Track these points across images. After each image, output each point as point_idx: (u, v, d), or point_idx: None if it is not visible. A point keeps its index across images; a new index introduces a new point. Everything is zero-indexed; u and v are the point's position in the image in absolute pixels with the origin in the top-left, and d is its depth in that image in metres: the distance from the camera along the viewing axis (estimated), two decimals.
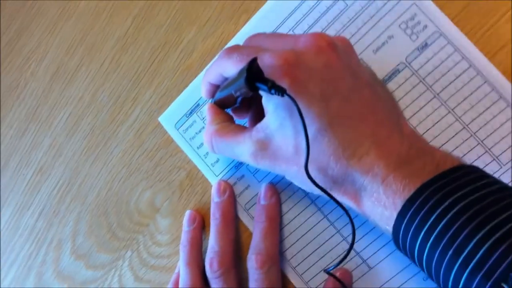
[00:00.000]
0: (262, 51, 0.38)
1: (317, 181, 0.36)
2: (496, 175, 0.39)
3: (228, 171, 0.48)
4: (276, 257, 0.45)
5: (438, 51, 0.42)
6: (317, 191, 0.37)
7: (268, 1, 0.46)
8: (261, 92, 0.37)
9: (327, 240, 0.45)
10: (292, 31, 0.45)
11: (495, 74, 0.40)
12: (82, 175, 0.54)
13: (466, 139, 0.41)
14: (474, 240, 0.30)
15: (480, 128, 0.41)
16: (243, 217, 0.48)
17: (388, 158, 0.35)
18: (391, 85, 0.43)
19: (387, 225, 0.35)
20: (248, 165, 0.47)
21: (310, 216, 0.45)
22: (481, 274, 0.30)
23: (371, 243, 0.44)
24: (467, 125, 0.41)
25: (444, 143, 0.42)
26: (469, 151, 0.41)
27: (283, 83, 0.35)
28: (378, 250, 0.44)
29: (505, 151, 0.41)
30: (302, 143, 0.36)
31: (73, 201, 0.54)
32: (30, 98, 0.55)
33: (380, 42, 0.43)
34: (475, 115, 0.41)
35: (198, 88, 0.48)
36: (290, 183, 0.45)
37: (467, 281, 0.30)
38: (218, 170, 0.48)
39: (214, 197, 0.48)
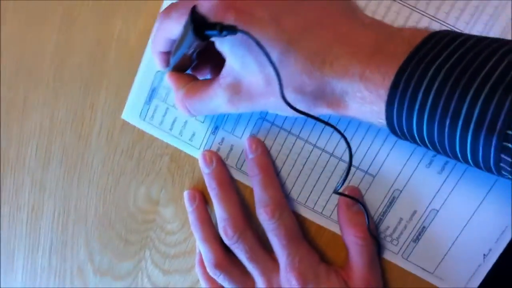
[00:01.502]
0: None
1: (298, 101, 0.36)
2: None
3: (207, 140, 0.47)
4: (283, 202, 0.45)
5: None
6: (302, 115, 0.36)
7: None
8: (212, 39, 0.35)
9: (325, 167, 0.45)
10: None
11: None
12: (73, 199, 0.53)
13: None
14: (467, 101, 0.30)
15: None
16: (239, 176, 0.48)
17: (358, 54, 0.34)
18: None
19: (380, 119, 0.34)
20: (224, 126, 0.47)
21: (300, 151, 0.45)
22: (484, 130, 0.29)
23: (366, 152, 0.44)
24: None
25: None
26: None
27: (230, 20, 0.34)
28: (375, 157, 0.44)
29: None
30: (270, 73, 0.35)
31: (76, 226, 0.54)
32: None
33: None
34: None
35: (148, 73, 0.47)
36: (270, 129, 0.45)
37: (473, 142, 0.30)
38: (197, 143, 0.48)
39: (204, 169, 0.47)
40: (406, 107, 0.32)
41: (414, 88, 0.31)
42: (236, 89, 0.38)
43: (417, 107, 0.31)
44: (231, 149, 0.47)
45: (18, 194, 0.55)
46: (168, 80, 0.43)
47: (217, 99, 0.39)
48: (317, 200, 0.46)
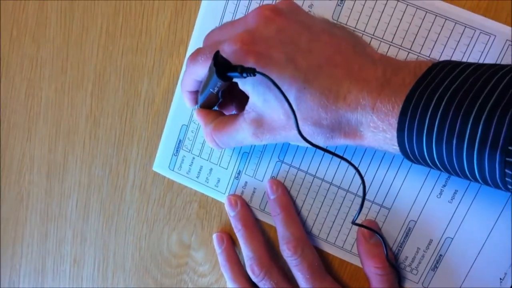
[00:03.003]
0: (220, 43, 0.40)
1: (316, 134, 0.39)
2: None
3: (231, 185, 0.51)
4: (304, 238, 0.48)
5: None
6: (320, 145, 0.39)
7: (202, 2, 0.49)
8: (235, 80, 0.39)
9: (342, 203, 0.48)
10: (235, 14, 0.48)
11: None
12: (112, 248, 0.57)
13: None
14: (470, 122, 0.32)
15: None
16: (263, 217, 0.51)
17: (369, 87, 0.37)
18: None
19: (393, 145, 0.37)
20: (246, 171, 0.50)
21: (318, 189, 0.48)
22: (487, 147, 0.32)
23: (380, 186, 0.47)
24: None
25: None
26: None
27: (249, 63, 0.37)
28: (388, 190, 0.46)
29: None
30: (289, 110, 0.38)
31: (115, 274, 0.57)
32: (37, 203, 0.59)
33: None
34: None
35: (174, 127, 0.51)
36: (288, 170, 0.49)
37: (479, 159, 0.33)
38: (222, 188, 0.51)
39: (230, 212, 0.51)
40: (415, 132, 0.35)
41: (421, 115, 0.34)
42: (260, 123, 0.41)
43: (425, 131, 0.34)
44: (254, 192, 0.51)
45: (61, 247, 0.59)
46: (197, 117, 0.47)
47: (242, 132, 0.42)
48: (338, 235, 0.49)
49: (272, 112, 0.40)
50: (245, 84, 0.40)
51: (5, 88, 0.57)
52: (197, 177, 0.52)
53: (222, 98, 0.44)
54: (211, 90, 0.40)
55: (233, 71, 0.36)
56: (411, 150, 0.36)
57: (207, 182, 0.52)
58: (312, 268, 0.47)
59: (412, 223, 0.46)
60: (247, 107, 0.41)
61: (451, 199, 0.45)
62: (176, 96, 0.51)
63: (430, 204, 0.45)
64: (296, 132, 0.38)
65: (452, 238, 0.45)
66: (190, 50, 0.50)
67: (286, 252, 0.47)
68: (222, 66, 0.36)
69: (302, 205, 0.49)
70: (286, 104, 0.36)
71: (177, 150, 0.52)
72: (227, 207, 0.51)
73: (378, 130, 0.37)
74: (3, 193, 0.60)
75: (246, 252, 0.49)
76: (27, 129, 0.57)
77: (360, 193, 0.47)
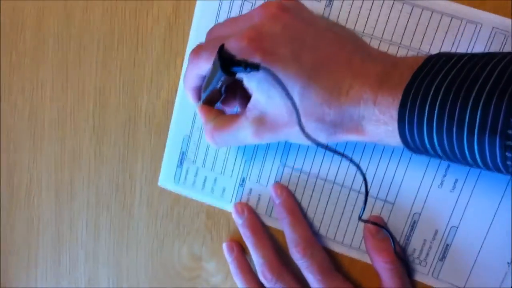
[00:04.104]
0: (224, 38, 0.40)
1: (319, 130, 0.40)
2: None
3: (237, 193, 0.52)
4: (312, 240, 0.48)
5: None
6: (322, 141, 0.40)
7: (197, 2, 0.50)
8: (239, 75, 0.39)
9: (346, 201, 0.49)
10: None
11: None
12: (124, 265, 0.58)
13: None
14: (468, 109, 0.33)
15: None
16: (270, 222, 0.51)
17: (370, 82, 0.38)
18: None
19: (394, 137, 0.38)
20: (250, 177, 0.51)
21: (322, 190, 0.49)
22: (487, 132, 0.33)
23: (381, 182, 0.47)
24: None
25: None
26: None
27: (255, 59, 0.38)
28: (390, 185, 0.47)
29: None
30: (292, 106, 0.38)
31: None
32: (48, 226, 0.60)
33: None
34: None
35: (176, 139, 0.52)
36: (291, 173, 0.49)
37: (479, 145, 0.34)
38: (228, 197, 0.52)
39: (237, 220, 0.51)
40: (415, 122, 0.36)
41: (420, 104, 0.35)
42: (262, 121, 0.41)
43: (425, 121, 0.35)
44: (259, 198, 0.51)
45: (74, 268, 0.60)
46: (198, 113, 0.47)
47: (243, 130, 0.43)
48: (345, 234, 0.49)
49: (275, 109, 0.40)
50: (250, 81, 0.40)
51: (8, 112, 0.58)
52: (202, 188, 0.53)
53: (225, 94, 0.44)
54: (215, 85, 0.41)
55: (237, 65, 0.37)
56: (412, 140, 0.37)
57: (213, 193, 0.53)
58: (322, 268, 0.47)
59: (417, 215, 0.47)
60: (249, 105, 0.42)
61: (452, 189, 0.45)
62: (176, 108, 0.52)
63: (432, 195, 0.46)
64: (298, 129, 0.38)
65: (457, 227, 0.46)
66: (190, 48, 0.51)
67: (295, 255, 0.48)
68: (226, 60, 0.37)
69: (308, 207, 0.50)
70: (289, 102, 0.37)
71: (181, 163, 0.53)
72: (234, 216, 0.52)
73: (380, 123, 0.38)
74: (14, 219, 0.61)
75: (256, 258, 0.50)
76: (32, 152, 0.58)
77: (363, 190, 0.48)
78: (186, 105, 0.52)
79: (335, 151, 0.40)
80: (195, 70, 0.44)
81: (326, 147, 0.40)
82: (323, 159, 0.49)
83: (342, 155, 0.40)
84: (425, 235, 0.47)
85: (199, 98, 0.47)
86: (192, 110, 0.52)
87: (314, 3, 0.47)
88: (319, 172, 0.49)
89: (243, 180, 0.52)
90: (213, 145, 0.46)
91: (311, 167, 0.49)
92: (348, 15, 0.46)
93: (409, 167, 0.46)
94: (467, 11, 0.43)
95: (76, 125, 0.56)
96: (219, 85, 0.41)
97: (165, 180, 0.54)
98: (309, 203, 0.50)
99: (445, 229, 0.46)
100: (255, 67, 0.36)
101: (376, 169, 0.47)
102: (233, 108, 0.48)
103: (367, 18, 0.46)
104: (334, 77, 0.39)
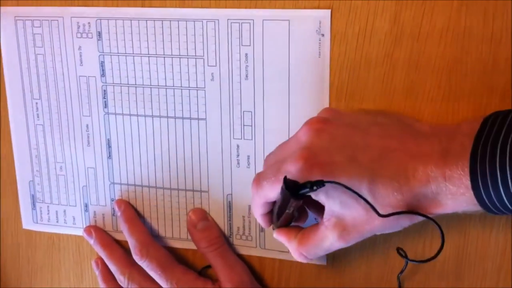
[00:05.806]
0: (281, 164, 0.41)
1: (400, 217, 0.40)
2: None
3: (84, 218, 0.57)
4: (149, 240, 0.54)
5: None
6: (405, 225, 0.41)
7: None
8: (308, 194, 0.40)
9: (179, 204, 0.54)
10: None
11: None
12: None
13: None
14: None
15: None
16: (118, 236, 0.57)
17: (432, 160, 0.38)
18: None
19: (473, 204, 0.38)
20: (91, 201, 0.56)
21: (156, 198, 0.54)
22: None
23: (192, 174, 0.52)
24: None
25: None
26: None
27: (316, 176, 0.39)
28: (200, 175, 0.52)
29: None
30: (366, 203, 0.39)
31: None
32: (68, 243, 0.61)
33: None
34: None
35: (23, 184, 0.58)
36: (128, 189, 0.54)
37: None
38: (79, 224, 0.58)
39: (90, 241, 0.57)
40: (490, 185, 0.36)
41: (490, 168, 0.36)
42: (343, 226, 0.41)
43: (500, 183, 0.36)
44: (104, 217, 0.56)
45: (97, 283, 0.60)
46: (278, 237, 0.47)
47: (327, 239, 0.43)
48: (180, 230, 0.54)
49: (352, 212, 0.41)
50: (318, 195, 0.41)
51: None
52: (57, 221, 0.58)
53: (297, 214, 0.46)
54: (287, 211, 0.42)
55: (304, 188, 0.38)
56: (491, 202, 0.37)
57: (66, 223, 0.58)
58: (161, 263, 0.52)
59: (230, 196, 0.51)
60: (325, 215, 0.42)
61: (248, 165, 0.50)
62: (16, 157, 0.58)
63: (235, 174, 0.51)
64: (380, 223, 0.40)
65: None
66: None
67: (136, 258, 0.53)
68: (293, 188, 0.38)
69: (143, 214, 0.55)
70: (362, 201, 0.39)
71: (34, 205, 0.58)
72: (86, 238, 0.57)
73: (456, 195, 0.38)
74: (35, 240, 0.62)
75: (111, 267, 0.56)
76: None
77: (188, 187, 0.52)
78: (22, 154, 0.57)
79: (424, 215, 0.40)
80: (261, 200, 0.44)
81: (417, 213, 0.40)
82: (148, 170, 0.54)
83: (431, 219, 0.40)
84: (242, 212, 0.51)
85: (270, 222, 0.47)
86: (28, 156, 0.57)
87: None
88: (155, 182, 0.54)
89: (86, 206, 0.56)
90: (304, 260, 0.46)
91: (141, 181, 0.54)
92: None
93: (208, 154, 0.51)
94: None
95: None
96: (291, 210, 0.41)
97: (27, 222, 0.59)
98: (146, 210, 0.55)
99: None
100: (320, 184, 0.37)
101: (185, 164, 0.52)
102: (305, 221, 0.48)
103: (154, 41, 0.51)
104: (395, 165, 0.39)
